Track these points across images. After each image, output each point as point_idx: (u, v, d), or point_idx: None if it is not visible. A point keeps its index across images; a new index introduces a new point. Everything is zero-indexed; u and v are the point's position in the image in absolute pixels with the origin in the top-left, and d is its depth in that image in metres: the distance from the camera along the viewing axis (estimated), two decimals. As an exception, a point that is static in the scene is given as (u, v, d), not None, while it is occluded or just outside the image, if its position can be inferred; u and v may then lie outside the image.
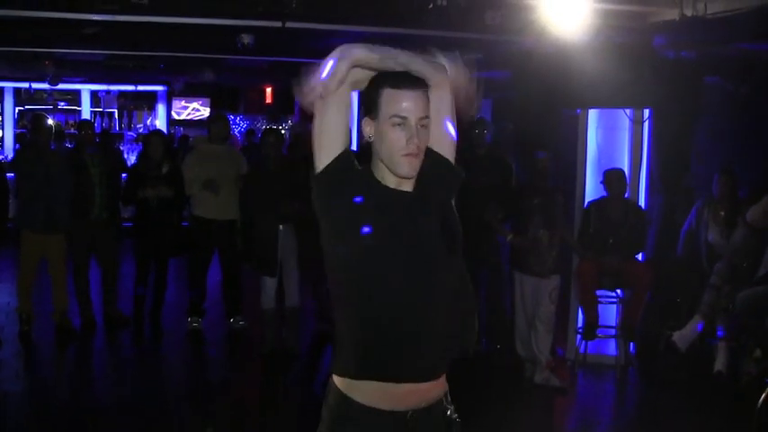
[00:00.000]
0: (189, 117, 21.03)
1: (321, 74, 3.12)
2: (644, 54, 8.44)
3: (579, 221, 9.12)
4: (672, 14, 7.18)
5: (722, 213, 8.86)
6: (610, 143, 9.17)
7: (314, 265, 8.93)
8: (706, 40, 8.18)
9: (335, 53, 3.14)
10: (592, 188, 9.21)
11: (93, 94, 19.78)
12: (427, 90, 3.20)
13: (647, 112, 9.05)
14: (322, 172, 3.19)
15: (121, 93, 20.06)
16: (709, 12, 6.88)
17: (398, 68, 3.21)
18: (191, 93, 20.72)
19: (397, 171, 3.19)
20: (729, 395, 8.21)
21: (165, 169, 10.04)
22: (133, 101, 20.63)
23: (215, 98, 21.26)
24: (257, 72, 16.90)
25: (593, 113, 9.18)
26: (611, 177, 8.74)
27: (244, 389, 8.60)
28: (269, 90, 21.31)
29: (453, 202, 3.40)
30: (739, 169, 9.00)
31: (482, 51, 9.25)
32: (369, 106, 3.23)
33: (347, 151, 3.22)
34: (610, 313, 9.17)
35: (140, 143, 16.56)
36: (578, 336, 9.11)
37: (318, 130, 3.19)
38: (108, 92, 19.74)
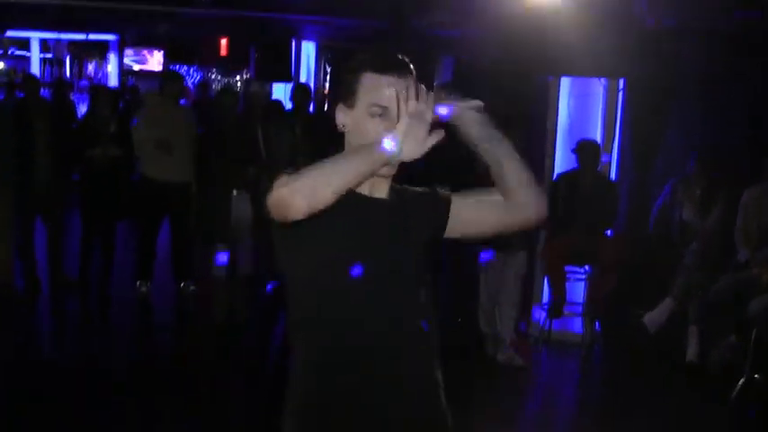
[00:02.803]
0: (141, 68, 20.41)
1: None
2: (623, 20, 8.06)
3: (547, 194, 8.73)
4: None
5: (698, 192, 8.48)
6: (582, 113, 8.81)
7: (268, 232, 8.56)
8: (694, 9, 7.81)
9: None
10: (561, 159, 8.85)
11: (43, 42, 19.17)
12: (413, 77, 2.76)
13: (621, 82, 8.71)
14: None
15: (72, 41, 19.43)
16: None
17: (501, 152, 2.88)
18: (144, 43, 20.13)
19: None
20: (698, 378, 7.97)
21: (112, 127, 9.51)
22: (84, 50, 20.02)
23: (168, 49, 20.67)
24: (212, 24, 16.38)
25: (565, 81, 8.81)
26: (585, 148, 8.37)
27: (193, 358, 8.11)
28: (224, 42, 20.77)
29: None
30: (717, 142, 8.72)
31: (447, 7, 8.84)
32: (345, 92, 2.81)
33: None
34: (577, 290, 8.84)
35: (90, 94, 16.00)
36: (543, 312, 8.78)
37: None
38: (58, 40, 19.11)
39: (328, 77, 17.67)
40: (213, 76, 21.70)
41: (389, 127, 2.67)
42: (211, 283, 9.00)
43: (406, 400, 2.82)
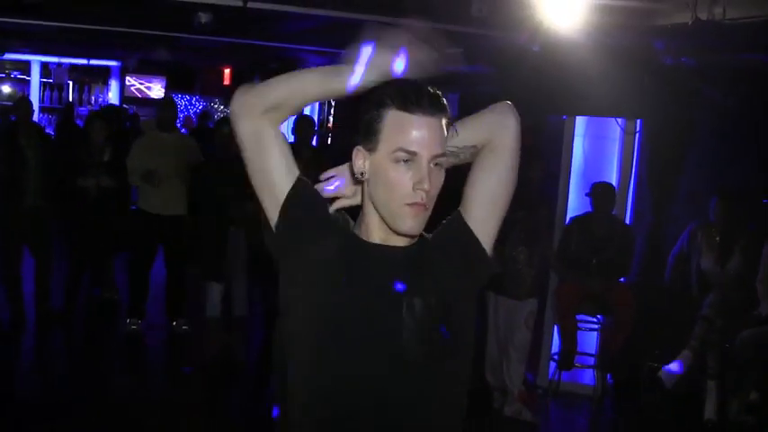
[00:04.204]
0: (143, 95, 20.17)
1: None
2: (643, 59, 7.67)
3: (560, 238, 8.33)
4: (683, 17, 6.37)
5: (718, 238, 8.06)
6: (598, 154, 8.41)
7: (265, 271, 8.19)
8: (719, 49, 7.39)
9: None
10: (575, 202, 8.44)
11: (44, 65, 18.89)
12: (446, 117, 2.34)
13: (638, 123, 8.32)
14: (281, 221, 2.42)
15: (74, 66, 19.15)
16: (727, 17, 6.08)
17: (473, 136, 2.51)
18: (145, 70, 19.88)
19: (397, 225, 2.34)
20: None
21: (107, 156, 9.12)
22: (86, 75, 19.77)
23: (171, 77, 20.42)
24: (215, 52, 16.08)
25: (580, 120, 8.42)
26: (599, 191, 7.96)
27: (184, 401, 7.65)
28: (227, 71, 20.49)
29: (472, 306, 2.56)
30: (739, 186, 8.32)
31: (461, 44, 8.48)
32: (365, 132, 2.35)
33: (301, 182, 2.44)
34: (589, 340, 8.41)
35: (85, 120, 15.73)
36: (552, 363, 8.35)
37: (261, 169, 2.46)
38: (59, 64, 18.81)
39: (332, 110, 17.33)
40: (216, 106, 21.41)
41: (417, 176, 2.27)
42: (205, 322, 8.58)
43: None
